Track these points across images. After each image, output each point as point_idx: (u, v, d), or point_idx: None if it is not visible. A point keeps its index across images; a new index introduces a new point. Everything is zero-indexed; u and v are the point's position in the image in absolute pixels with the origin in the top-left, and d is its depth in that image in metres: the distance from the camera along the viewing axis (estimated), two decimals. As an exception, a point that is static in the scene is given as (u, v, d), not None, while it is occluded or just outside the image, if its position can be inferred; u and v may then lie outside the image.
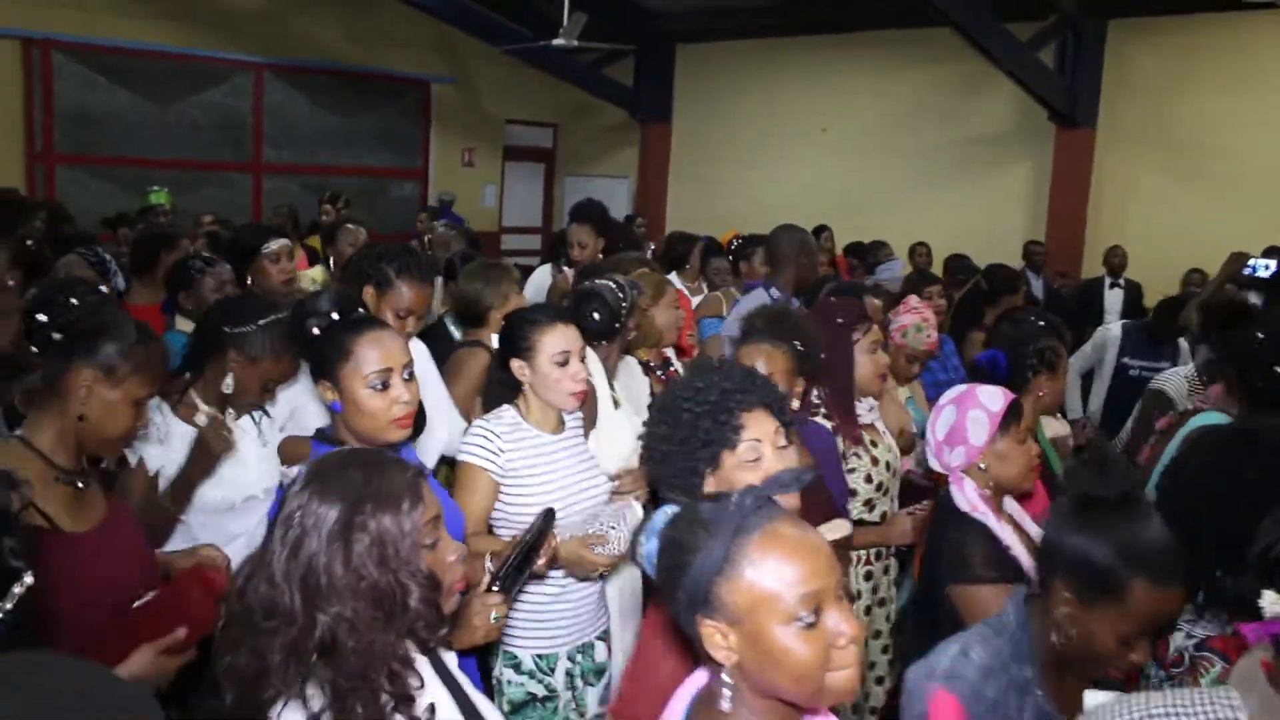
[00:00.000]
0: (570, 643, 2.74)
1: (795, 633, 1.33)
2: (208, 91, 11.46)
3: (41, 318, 2.09)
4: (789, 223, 5.06)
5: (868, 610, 3.25)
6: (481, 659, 2.58)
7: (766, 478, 1.52)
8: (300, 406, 3.07)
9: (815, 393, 3.25)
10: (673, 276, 5.93)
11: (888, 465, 3.33)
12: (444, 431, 3.24)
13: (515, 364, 2.71)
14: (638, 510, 2.58)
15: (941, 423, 2.62)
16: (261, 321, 2.73)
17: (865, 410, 3.37)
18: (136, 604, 1.97)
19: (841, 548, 2.35)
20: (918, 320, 4.05)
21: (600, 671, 2.82)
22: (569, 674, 2.74)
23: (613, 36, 11.18)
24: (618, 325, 3.38)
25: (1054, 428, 3.70)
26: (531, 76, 12.23)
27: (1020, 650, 1.83)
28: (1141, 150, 9.84)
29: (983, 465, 2.54)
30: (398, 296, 3.03)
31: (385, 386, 2.18)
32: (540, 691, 2.68)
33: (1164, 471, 2.93)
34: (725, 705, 1.40)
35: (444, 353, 3.68)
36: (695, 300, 5.87)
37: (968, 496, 2.50)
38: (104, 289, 4.07)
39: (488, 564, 2.18)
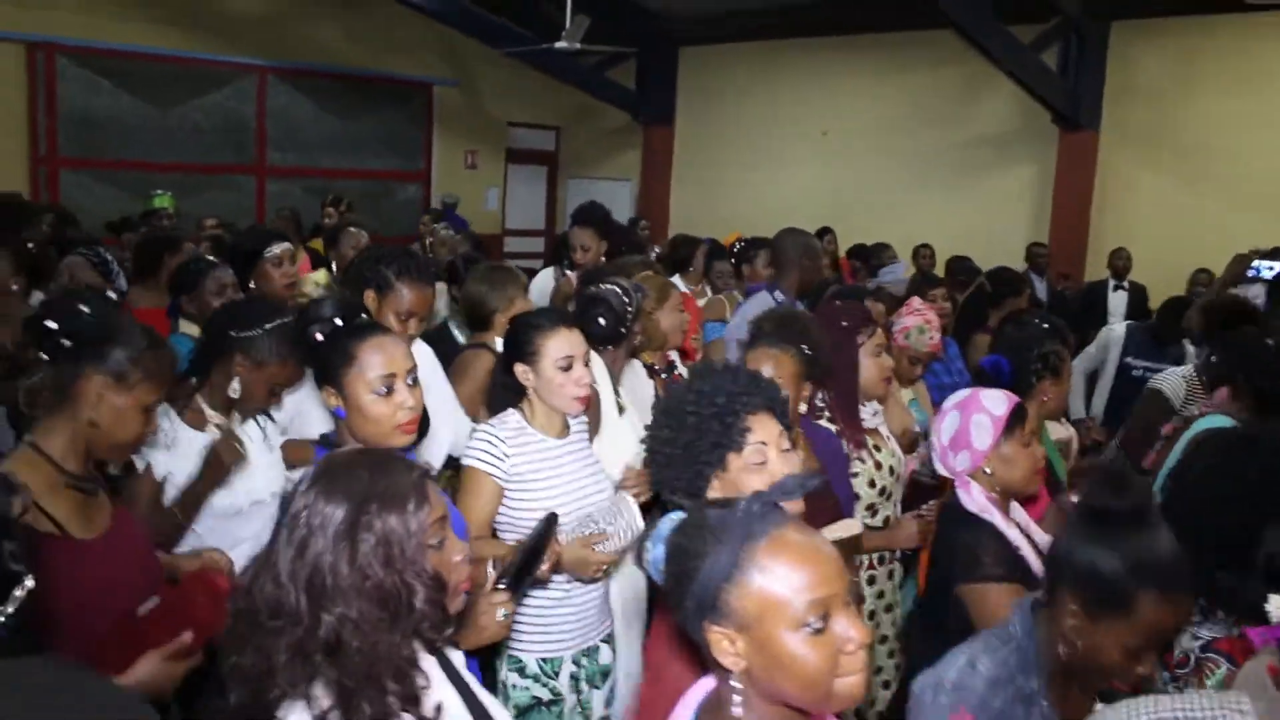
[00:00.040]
0: (574, 646, 2.74)
1: (804, 638, 1.34)
2: (211, 95, 11.47)
3: (51, 324, 2.09)
4: (793, 226, 5.07)
5: (872, 615, 3.24)
6: (486, 663, 2.58)
7: (772, 482, 1.52)
8: (303, 411, 3.07)
9: (819, 396, 3.25)
10: (676, 279, 5.94)
11: (891, 470, 3.33)
12: (448, 435, 3.24)
13: (519, 368, 2.71)
14: (631, 503, 2.59)
15: (946, 427, 2.62)
16: (268, 326, 2.73)
17: (869, 415, 3.36)
18: (142, 611, 1.97)
19: (850, 548, 2.34)
20: (920, 322, 4.05)
21: (605, 674, 2.82)
22: (574, 677, 2.74)
23: (615, 39, 11.19)
24: (623, 330, 3.38)
25: (1058, 432, 3.69)
26: (534, 79, 12.24)
27: (1026, 661, 1.82)
28: (1145, 152, 9.84)
29: (988, 469, 2.54)
30: (398, 299, 3.04)
31: (389, 392, 2.18)
32: (545, 695, 2.68)
33: (1169, 475, 2.95)
34: (737, 711, 1.41)
35: (448, 356, 3.68)
36: (699, 303, 5.86)
37: (975, 499, 2.50)
38: (112, 295, 4.08)
39: (490, 569, 2.18)
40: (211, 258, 4.15)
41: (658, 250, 7.88)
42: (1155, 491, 2.92)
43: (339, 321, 2.29)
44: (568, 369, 2.67)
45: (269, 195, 11.84)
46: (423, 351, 3.32)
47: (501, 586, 2.08)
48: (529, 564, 2.17)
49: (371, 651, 1.43)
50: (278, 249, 4.04)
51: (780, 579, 1.34)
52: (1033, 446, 2.59)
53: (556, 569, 2.45)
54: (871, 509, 3.26)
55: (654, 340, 3.88)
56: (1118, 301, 8.22)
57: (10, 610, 1.35)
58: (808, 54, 11.95)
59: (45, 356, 2.09)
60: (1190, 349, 5.65)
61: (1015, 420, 2.56)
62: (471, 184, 13.51)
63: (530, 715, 2.67)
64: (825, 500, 2.59)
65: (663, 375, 3.96)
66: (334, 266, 6.22)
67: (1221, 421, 3.24)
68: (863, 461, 3.24)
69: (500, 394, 2.83)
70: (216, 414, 2.76)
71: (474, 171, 13.77)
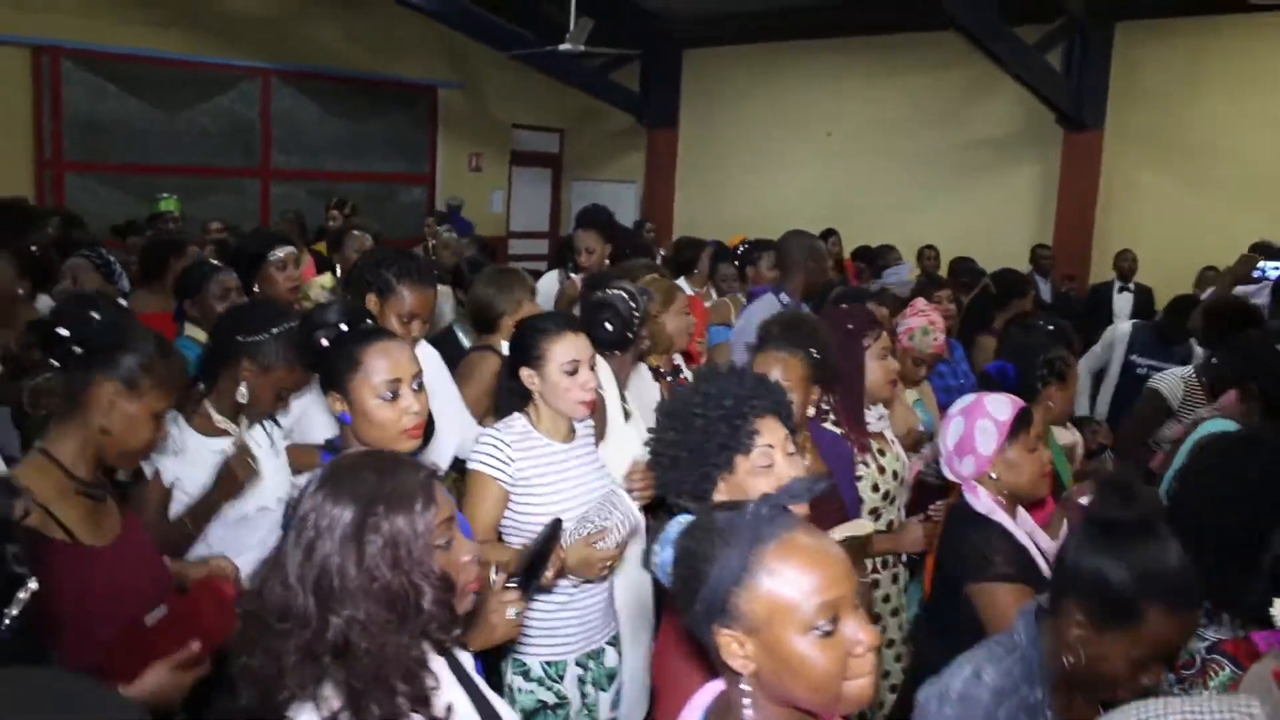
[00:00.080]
0: (578, 650, 2.74)
1: (813, 641, 1.34)
2: (216, 98, 11.48)
3: (63, 331, 2.10)
4: (797, 228, 5.07)
5: (877, 619, 3.24)
6: (491, 666, 2.58)
7: (779, 485, 1.52)
8: (306, 416, 3.08)
9: (825, 399, 3.24)
10: (681, 281, 5.94)
11: (895, 474, 3.32)
12: (454, 439, 3.25)
13: (525, 373, 2.71)
14: (624, 495, 2.59)
15: (951, 432, 2.63)
16: (274, 330, 2.73)
17: (874, 418, 3.36)
18: (150, 620, 1.98)
19: (858, 549, 2.34)
20: (924, 323, 4.05)
21: (611, 677, 2.82)
22: (580, 680, 2.74)
23: (619, 41, 11.19)
24: (630, 335, 3.38)
25: (1064, 437, 3.69)
26: (538, 81, 12.24)
27: (1031, 670, 1.81)
28: (1150, 153, 9.82)
29: (993, 474, 2.54)
30: (400, 301, 3.05)
31: (395, 397, 2.18)
32: (550, 699, 2.68)
33: (1173, 477, 2.95)
34: (747, 714, 1.41)
35: (454, 360, 3.69)
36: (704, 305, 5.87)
37: (983, 500, 2.50)
38: (123, 302, 4.09)
39: (493, 575, 2.18)
40: (215, 261, 4.16)
41: (663, 253, 7.88)
42: (1161, 496, 2.92)
43: (344, 326, 2.30)
44: (573, 373, 2.67)
45: (273, 198, 11.86)
46: (429, 355, 3.32)
47: (512, 585, 2.08)
48: (536, 566, 2.18)
49: (380, 653, 1.44)
50: (281, 252, 4.05)
51: (789, 582, 1.34)
52: (1038, 451, 2.59)
53: (561, 573, 2.45)
54: (874, 513, 3.25)
55: (660, 343, 3.89)
56: (1123, 303, 8.20)
57: (14, 612, 1.35)
58: (811, 55, 11.95)
59: (56, 363, 2.09)
60: (1198, 349, 5.65)
61: (1020, 425, 2.56)
62: (476, 186, 13.52)
63: (536, 719, 2.67)
64: (832, 504, 2.59)
65: (667, 378, 3.96)
66: (338, 270, 6.23)
67: (1223, 425, 3.24)
68: (866, 465, 3.24)
69: (506, 398, 2.83)
70: (224, 419, 2.76)
71: (478, 174, 13.78)
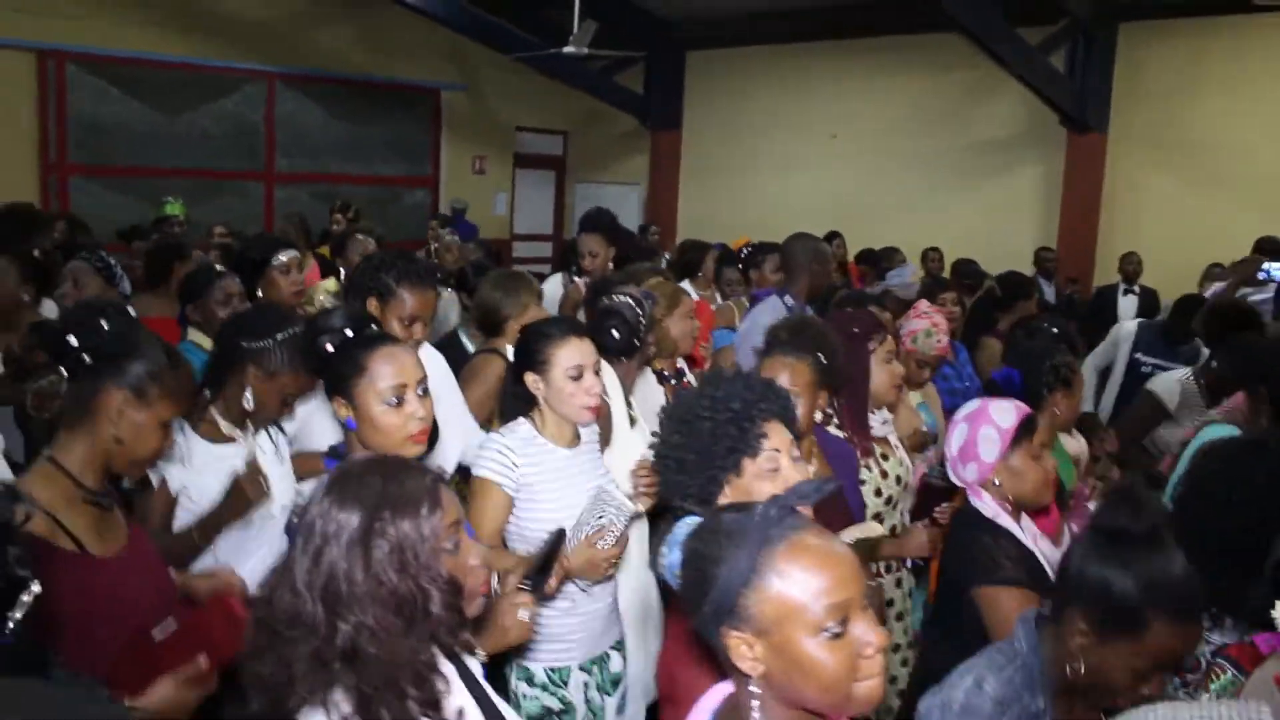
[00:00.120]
0: (582, 656, 2.74)
1: (822, 643, 1.34)
2: (220, 101, 11.49)
3: (72, 340, 2.09)
4: (802, 231, 5.06)
5: (883, 624, 3.23)
6: (496, 673, 2.58)
7: (785, 488, 1.52)
8: (309, 422, 3.07)
9: (830, 404, 3.24)
10: (686, 284, 5.93)
11: (898, 479, 3.32)
12: (458, 444, 3.24)
13: (529, 378, 2.70)
14: (614, 490, 2.59)
15: (955, 438, 2.62)
16: (279, 335, 2.71)
17: (879, 423, 3.36)
18: (158, 634, 1.97)
19: (866, 552, 2.34)
20: (928, 325, 4.04)
21: (616, 682, 2.82)
22: (585, 685, 2.74)
23: (623, 44, 11.18)
24: (638, 342, 3.38)
25: (1072, 446, 3.67)
26: (542, 84, 12.24)
27: (1032, 679, 1.81)
28: (1153, 154, 9.81)
29: (997, 481, 2.54)
30: (401, 304, 3.05)
31: (400, 402, 2.18)
32: (555, 705, 2.68)
33: (1178, 482, 2.94)
34: (756, 715, 1.41)
35: (459, 365, 3.69)
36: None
37: (989, 505, 2.50)
38: (130, 311, 4.09)
39: (494, 582, 2.18)
40: (220, 266, 4.15)
41: (668, 257, 7.87)
42: (1166, 502, 2.91)
43: (349, 332, 2.30)
44: (578, 378, 2.67)
45: (277, 201, 11.87)
46: (434, 360, 3.32)
47: (524, 587, 2.08)
48: (545, 570, 2.18)
49: (389, 658, 1.44)
50: (285, 257, 4.05)
51: (798, 583, 1.35)
52: (1043, 458, 2.58)
53: (565, 579, 2.45)
54: (877, 518, 3.24)
55: (664, 347, 3.88)
56: (1128, 306, 8.18)
57: (18, 615, 1.35)
58: (815, 58, 11.94)
59: (65, 371, 2.09)
60: (1204, 349, 5.63)
61: (1024, 432, 2.55)
62: (479, 189, 13.52)
63: (542, 724, 2.67)
64: (838, 508, 2.59)
65: (672, 382, 3.96)
66: (342, 273, 6.23)
67: (1226, 430, 3.23)
68: (869, 469, 3.23)
69: (511, 403, 2.83)
70: (231, 426, 2.74)
71: (482, 176, 13.78)
